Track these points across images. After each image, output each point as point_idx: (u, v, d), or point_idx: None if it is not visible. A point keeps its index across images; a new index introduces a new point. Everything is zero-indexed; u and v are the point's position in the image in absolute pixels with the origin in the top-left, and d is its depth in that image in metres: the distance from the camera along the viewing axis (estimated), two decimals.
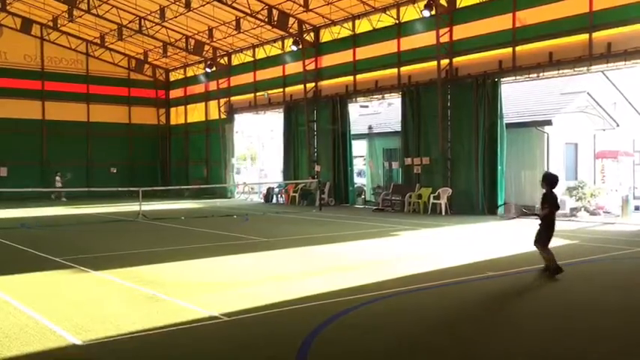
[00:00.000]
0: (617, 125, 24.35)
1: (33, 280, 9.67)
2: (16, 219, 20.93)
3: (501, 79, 21.51)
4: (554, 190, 9.47)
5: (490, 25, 21.52)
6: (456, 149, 22.76)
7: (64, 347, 6.01)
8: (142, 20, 31.34)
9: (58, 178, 33.04)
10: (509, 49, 20.95)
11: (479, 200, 21.44)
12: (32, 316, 7.17)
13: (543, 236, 9.46)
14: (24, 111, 34.94)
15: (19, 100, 34.75)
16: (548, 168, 21.44)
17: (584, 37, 19.00)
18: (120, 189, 27.83)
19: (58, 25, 34.26)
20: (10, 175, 33.50)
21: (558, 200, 9.60)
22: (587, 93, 23.27)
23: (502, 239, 15.18)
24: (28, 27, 34.41)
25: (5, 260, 12.01)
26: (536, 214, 9.88)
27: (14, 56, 34.90)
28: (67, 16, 32.08)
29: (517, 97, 24.35)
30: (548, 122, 21.57)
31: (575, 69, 19.99)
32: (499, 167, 21.17)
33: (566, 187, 22.02)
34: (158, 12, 29.41)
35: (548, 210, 9.33)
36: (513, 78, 21.73)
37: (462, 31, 22.46)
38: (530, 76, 21.31)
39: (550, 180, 9.50)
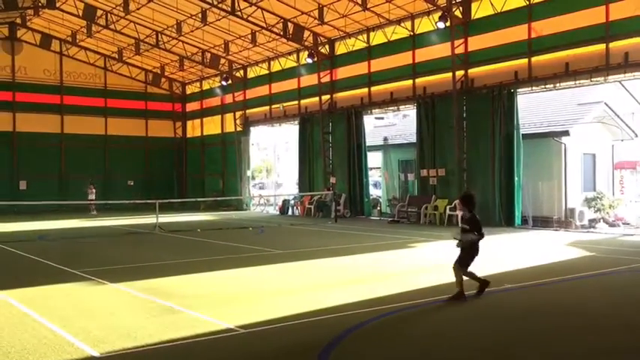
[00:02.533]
0: (636, 135, 24.08)
1: (51, 292, 9.75)
2: (34, 231, 21.16)
3: (517, 90, 21.42)
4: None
5: (505, 35, 21.47)
6: (472, 160, 22.65)
7: (82, 359, 6.04)
8: (159, 35, 31.72)
9: (92, 189, 31.80)
10: (525, 60, 20.86)
11: (495, 212, 21.27)
12: (50, 328, 7.22)
13: (466, 259, 8.75)
14: (43, 125, 35.48)
15: (38, 114, 35.32)
16: (566, 179, 21.28)
17: (601, 47, 18.88)
18: (137, 201, 28.04)
19: (77, 40, 34.80)
20: (29, 188, 33.94)
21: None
22: (605, 103, 23.05)
23: (520, 251, 15.04)
24: (48, 42, 35.03)
25: (24, 272, 12.13)
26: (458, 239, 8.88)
27: (34, 71, 35.49)
28: (85, 31, 32.57)
29: (534, 108, 24.20)
30: (566, 133, 21.38)
31: (592, 79, 19.80)
32: (516, 178, 21.01)
33: (585, 198, 21.79)
34: (175, 26, 29.77)
35: (480, 236, 8.66)
36: (529, 89, 21.61)
37: (477, 42, 22.42)
38: (547, 86, 21.19)
39: (472, 201, 8.91)
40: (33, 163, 34.66)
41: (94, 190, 31.71)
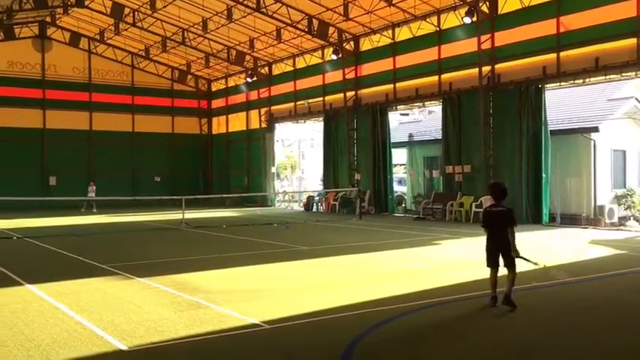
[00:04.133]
0: None
1: (81, 286, 9.90)
2: (64, 227, 21.54)
3: (545, 86, 21.10)
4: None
5: (533, 30, 21.16)
6: (499, 157, 22.39)
7: (110, 353, 6.14)
8: (185, 32, 32.01)
9: (93, 187, 31.25)
10: (554, 55, 20.54)
11: (522, 209, 20.99)
12: (80, 321, 7.35)
13: (486, 257, 8.17)
14: (72, 122, 36.10)
15: (67, 111, 35.93)
16: (595, 176, 20.91)
17: (632, 41, 18.47)
18: (164, 197, 28.33)
19: (105, 38, 35.33)
20: (59, 184, 34.57)
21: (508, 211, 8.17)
22: (636, 98, 22.60)
23: (547, 249, 14.82)
24: (77, 40, 35.65)
25: (54, 267, 12.37)
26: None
27: (63, 69, 36.11)
28: (113, 29, 33.05)
29: (562, 103, 23.82)
30: (595, 129, 21.00)
31: (623, 74, 19.46)
32: (543, 175, 20.72)
33: (614, 196, 21.40)
34: (201, 24, 30.01)
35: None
36: (558, 84, 21.30)
37: (504, 37, 22.15)
38: (576, 82, 20.87)
39: (494, 190, 8.24)
40: (62, 160, 35.26)
41: (94, 188, 31.32)
